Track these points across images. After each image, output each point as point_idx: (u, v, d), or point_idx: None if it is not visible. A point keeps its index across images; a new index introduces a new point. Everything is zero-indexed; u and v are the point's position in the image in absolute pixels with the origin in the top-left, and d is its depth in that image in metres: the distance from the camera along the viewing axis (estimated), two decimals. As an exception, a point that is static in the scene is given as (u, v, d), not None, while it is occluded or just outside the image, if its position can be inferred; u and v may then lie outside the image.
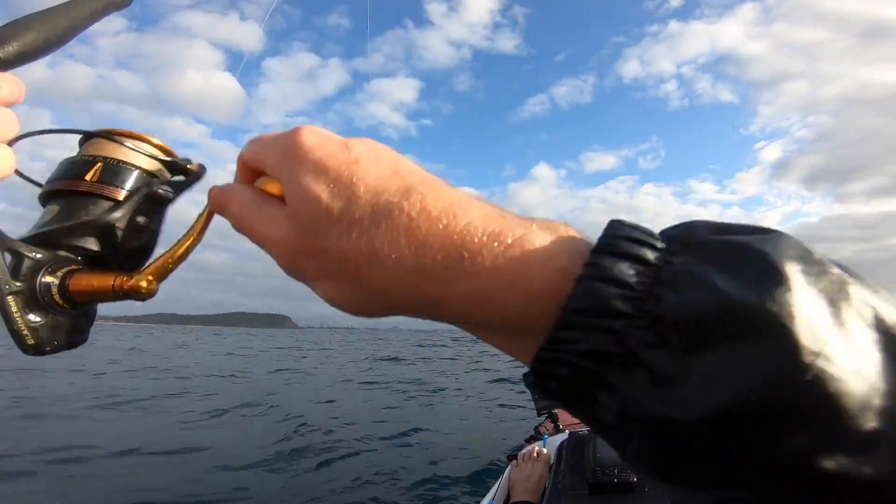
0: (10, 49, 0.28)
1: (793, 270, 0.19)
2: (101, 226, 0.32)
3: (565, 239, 0.23)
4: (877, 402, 0.18)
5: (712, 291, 0.19)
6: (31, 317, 0.30)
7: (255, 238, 0.28)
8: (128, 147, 0.34)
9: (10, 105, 0.28)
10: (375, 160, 0.26)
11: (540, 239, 0.23)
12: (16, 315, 0.29)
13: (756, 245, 0.20)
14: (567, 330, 0.20)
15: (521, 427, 4.53)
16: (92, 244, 0.33)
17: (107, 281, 0.31)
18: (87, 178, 0.33)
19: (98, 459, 3.83)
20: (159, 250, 0.35)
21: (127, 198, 0.33)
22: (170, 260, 0.33)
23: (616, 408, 0.20)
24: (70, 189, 0.33)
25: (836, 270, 0.20)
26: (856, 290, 0.19)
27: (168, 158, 0.36)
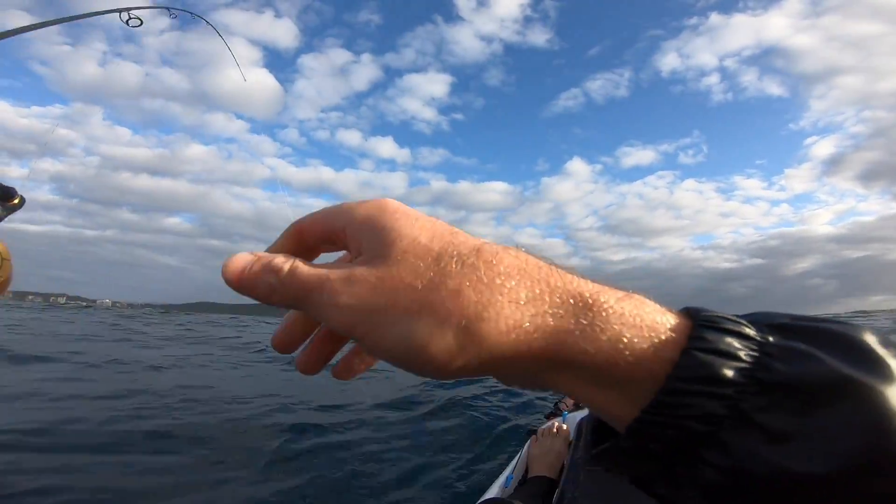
0: None
1: (884, 353, 0.21)
2: None
3: (657, 307, 0.24)
4: None
5: (821, 364, 0.21)
6: None
7: (311, 287, 0.24)
8: None
9: None
10: (456, 231, 0.25)
11: (641, 302, 0.23)
12: None
13: (842, 330, 0.22)
14: (674, 395, 0.21)
15: (541, 403, 4.56)
16: None
17: None
18: None
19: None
20: None
21: None
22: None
23: (728, 464, 0.20)
24: None
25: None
26: None
27: None
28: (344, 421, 4.10)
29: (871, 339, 0.22)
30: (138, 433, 3.46)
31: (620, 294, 0.23)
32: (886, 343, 0.22)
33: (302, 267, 0.24)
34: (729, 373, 0.21)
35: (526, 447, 1.81)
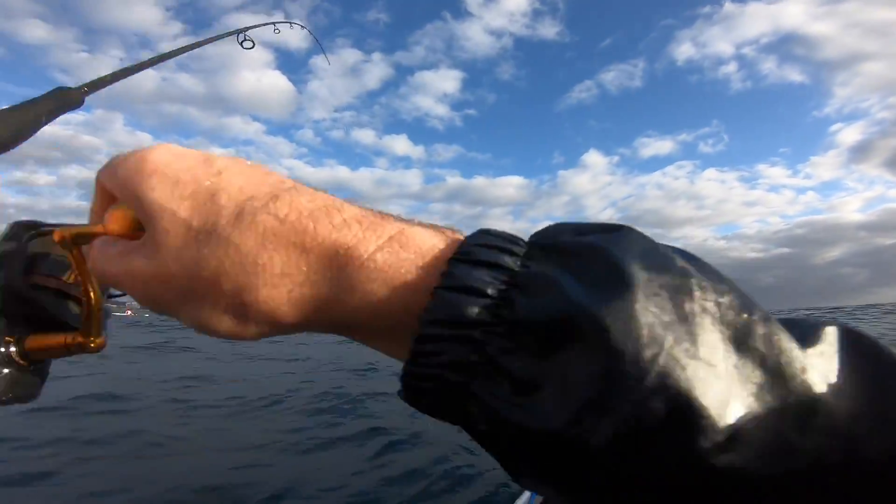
0: None
1: (635, 269, 0.19)
2: (50, 299, 0.38)
3: (440, 239, 0.23)
4: (734, 393, 0.18)
5: (559, 296, 0.19)
6: None
7: (112, 282, 0.25)
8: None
9: None
10: (240, 172, 0.24)
11: (417, 237, 0.23)
12: None
13: (602, 244, 0.20)
14: (426, 342, 0.20)
15: None
16: (41, 312, 0.38)
17: (59, 339, 0.36)
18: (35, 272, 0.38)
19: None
20: None
21: (66, 280, 0.38)
22: (94, 309, 0.33)
23: (484, 419, 0.20)
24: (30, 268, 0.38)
25: (680, 264, 0.20)
26: (698, 283, 0.19)
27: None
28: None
29: (628, 251, 0.20)
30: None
31: (384, 239, 0.22)
32: (648, 254, 0.20)
33: (97, 260, 0.26)
34: (473, 311, 0.20)
35: None
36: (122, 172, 0.24)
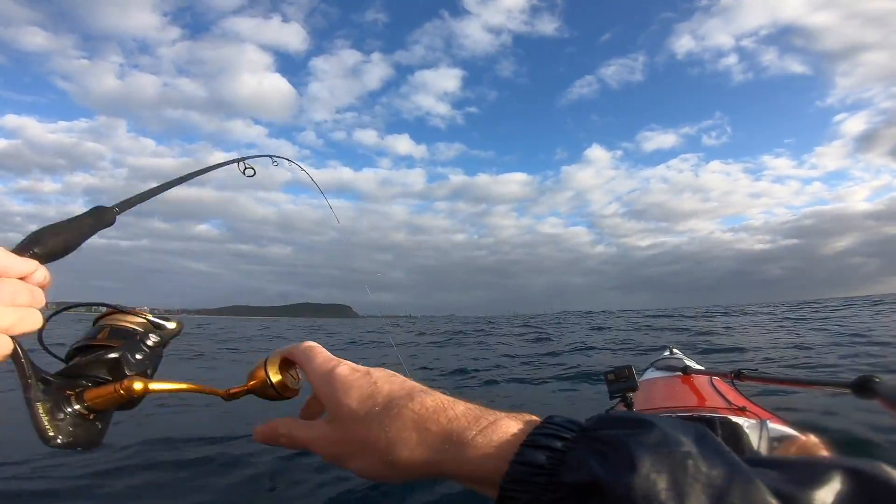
0: (46, 248, 0.45)
1: (643, 455, 0.29)
2: (104, 361, 0.48)
3: (519, 428, 0.36)
4: None
5: (587, 469, 0.30)
6: (58, 414, 0.43)
7: (304, 446, 0.42)
8: (124, 315, 0.53)
9: (42, 287, 0.42)
10: (388, 380, 0.40)
11: (504, 426, 0.36)
12: (41, 415, 0.41)
13: (622, 439, 0.30)
14: (504, 495, 0.32)
15: (593, 410, 4.40)
16: (99, 372, 0.48)
17: (109, 388, 0.45)
18: (99, 336, 0.50)
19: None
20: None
21: (121, 345, 0.50)
22: (166, 386, 0.49)
23: None
24: (88, 344, 0.50)
25: (685, 449, 0.29)
26: (693, 463, 0.28)
27: (151, 319, 0.54)
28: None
29: (641, 444, 0.30)
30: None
31: (482, 427, 0.36)
32: (660, 443, 0.30)
33: (294, 433, 0.43)
34: (533, 476, 0.32)
35: None
36: (322, 377, 0.42)
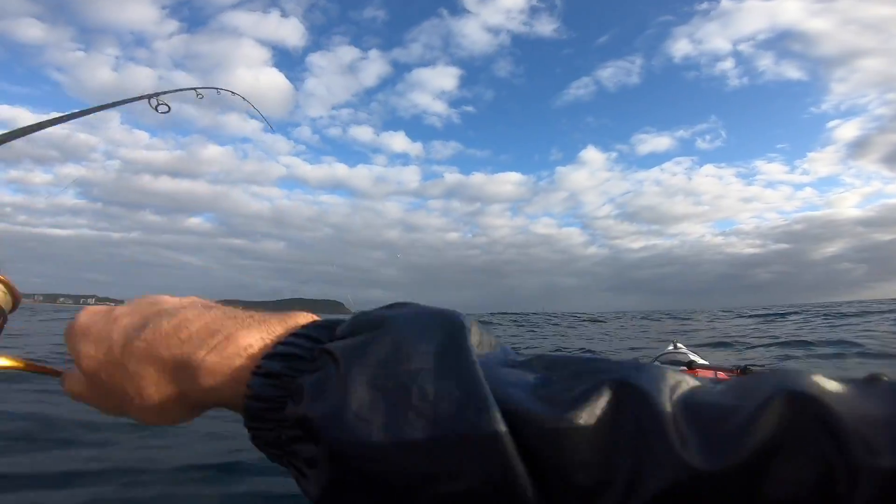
0: None
1: (360, 378, 0.26)
2: None
3: (260, 343, 0.31)
4: None
5: (303, 406, 0.26)
6: None
7: (80, 400, 0.38)
8: None
9: None
10: (130, 312, 0.35)
11: (241, 341, 0.31)
12: None
13: (345, 355, 0.27)
14: (252, 431, 0.30)
15: None
16: None
17: None
18: None
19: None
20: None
21: None
22: None
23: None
24: None
25: (415, 366, 0.26)
26: (418, 389, 0.25)
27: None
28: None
29: (359, 364, 0.26)
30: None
31: (216, 343, 0.31)
32: (372, 367, 0.26)
33: (73, 388, 0.37)
34: (270, 414, 0.29)
35: None
36: (67, 336, 0.36)
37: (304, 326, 0.32)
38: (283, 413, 0.27)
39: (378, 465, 0.23)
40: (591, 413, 0.23)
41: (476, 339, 0.28)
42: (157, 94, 0.92)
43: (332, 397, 0.25)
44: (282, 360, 0.29)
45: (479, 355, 0.26)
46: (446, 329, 0.27)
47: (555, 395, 0.24)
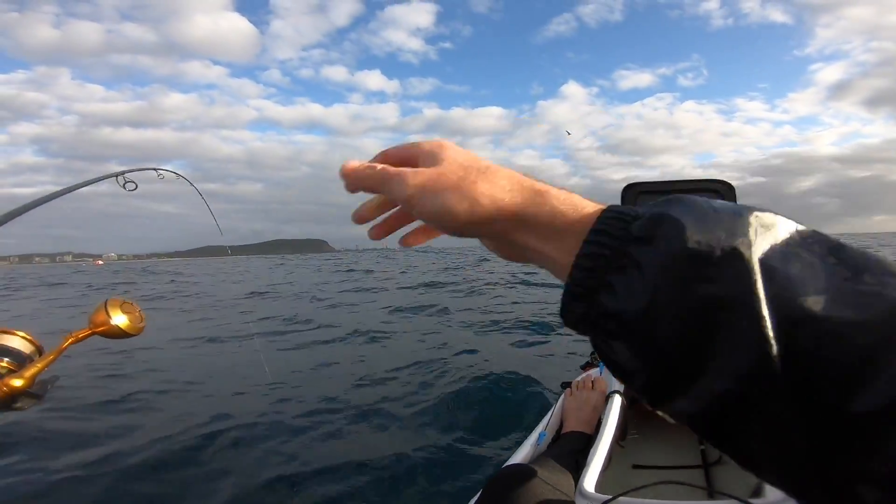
0: None
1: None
2: None
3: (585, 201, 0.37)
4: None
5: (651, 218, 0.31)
6: None
7: (396, 175, 0.41)
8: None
9: None
10: (494, 164, 0.40)
11: (587, 203, 0.36)
12: None
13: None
14: (589, 245, 0.33)
15: (577, 355, 4.34)
16: None
17: None
18: None
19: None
20: None
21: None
22: (39, 367, 0.50)
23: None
24: None
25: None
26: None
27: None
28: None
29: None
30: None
31: (564, 191, 0.37)
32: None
33: (389, 167, 0.42)
34: (619, 231, 0.32)
35: (560, 401, 1.68)
36: (427, 147, 0.42)
37: (600, 220, 0.34)
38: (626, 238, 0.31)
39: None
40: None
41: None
42: (124, 172, 1.06)
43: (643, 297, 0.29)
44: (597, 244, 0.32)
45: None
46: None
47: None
